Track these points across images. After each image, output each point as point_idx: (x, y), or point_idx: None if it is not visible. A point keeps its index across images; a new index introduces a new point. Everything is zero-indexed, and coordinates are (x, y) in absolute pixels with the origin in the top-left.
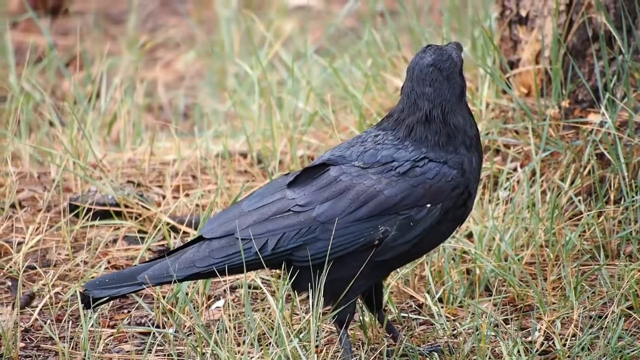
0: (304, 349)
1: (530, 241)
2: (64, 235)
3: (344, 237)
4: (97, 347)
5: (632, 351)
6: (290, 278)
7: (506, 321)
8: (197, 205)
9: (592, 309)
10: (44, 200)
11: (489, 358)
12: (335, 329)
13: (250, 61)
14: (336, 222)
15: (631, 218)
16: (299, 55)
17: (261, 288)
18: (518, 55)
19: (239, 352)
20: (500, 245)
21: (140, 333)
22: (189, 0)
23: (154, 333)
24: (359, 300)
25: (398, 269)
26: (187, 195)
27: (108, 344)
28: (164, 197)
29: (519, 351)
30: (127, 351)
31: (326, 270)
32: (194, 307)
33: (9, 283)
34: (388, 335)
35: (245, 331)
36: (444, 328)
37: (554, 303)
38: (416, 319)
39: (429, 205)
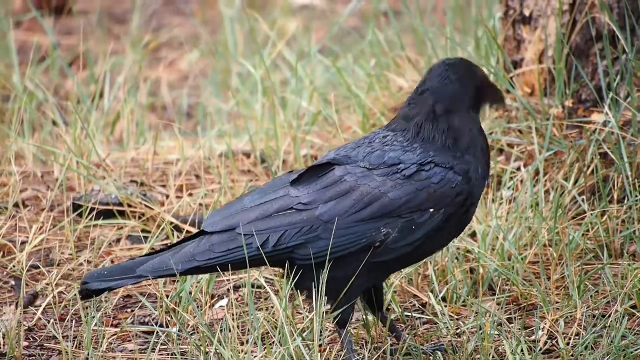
0: (307, 348)
1: (533, 240)
2: (67, 234)
3: (345, 237)
4: (101, 346)
5: (636, 350)
6: (292, 277)
7: (509, 320)
8: (200, 204)
9: (596, 307)
10: (47, 200)
11: (493, 357)
12: (335, 328)
13: (253, 60)
14: (339, 222)
15: (634, 217)
16: (303, 54)
17: (264, 287)
18: (521, 54)
19: (242, 351)
20: (504, 244)
21: (144, 332)
22: None
23: (157, 332)
24: (360, 301)
25: (398, 271)
26: (190, 194)
27: (111, 343)
28: (167, 196)
29: (522, 350)
30: (131, 350)
31: (327, 269)
32: (198, 306)
33: (13, 282)
34: (391, 334)
35: (248, 330)
36: (447, 327)
37: (557, 302)
38: (419, 318)
39: (431, 210)
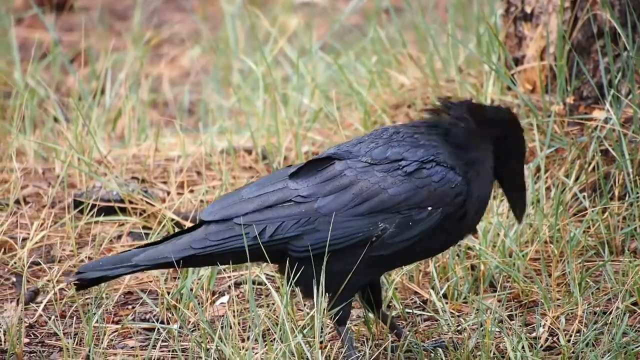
0: (308, 345)
1: (534, 237)
2: (68, 231)
3: (342, 231)
4: (102, 342)
5: (637, 347)
6: (290, 274)
7: (510, 317)
8: (201, 201)
9: (597, 304)
10: (49, 196)
11: (494, 354)
12: (334, 327)
13: (255, 57)
14: (337, 215)
15: (636, 214)
16: (304, 51)
17: (265, 284)
18: (523, 51)
19: (243, 347)
20: (505, 241)
21: (145, 329)
22: None
23: (158, 329)
24: (360, 300)
25: (395, 269)
26: (191, 191)
27: (112, 340)
28: (168, 193)
29: (523, 347)
30: (132, 347)
31: (325, 262)
32: (199, 303)
33: (14, 279)
34: (391, 332)
35: (249, 327)
36: (448, 324)
37: (558, 299)
38: (420, 314)
39: (430, 208)
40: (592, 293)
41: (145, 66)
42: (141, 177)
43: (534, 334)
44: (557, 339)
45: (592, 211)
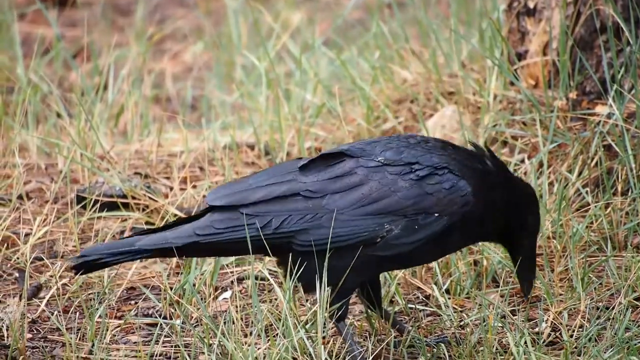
0: (310, 340)
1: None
2: (71, 226)
3: (348, 229)
4: (104, 338)
5: (639, 342)
6: (293, 269)
7: (513, 312)
8: (204, 196)
9: (599, 300)
10: (52, 192)
11: (496, 349)
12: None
13: (257, 53)
14: (344, 213)
15: (638, 209)
16: (307, 47)
17: (268, 279)
18: (526, 46)
19: (246, 343)
20: None
21: (148, 324)
22: None
23: (161, 324)
24: (360, 297)
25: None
26: (194, 186)
27: (115, 335)
28: (171, 188)
29: (526, 342)
30: (134, 342)
31: (327, 257)
32: (201, 299)
33: (17, 274)
34: (393, 329)
35: (252, 322)
36: (451, 319)
37: (561, 294)
38: (423, 310)
39: (436, 215)
40: (595, 288)
41: (147, 62)
42: (144, 172)
43: (536, 329)
44: (560, 334)
45: (595, 206)
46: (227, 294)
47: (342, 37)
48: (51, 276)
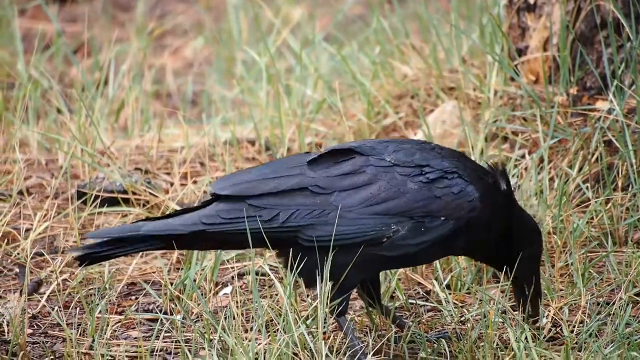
0: (311, 336)
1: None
2: (71, 222)
3: (355, 227)
4: (105, 333)
5: None
6: (295, 263)
7: (514, 308)
8: (204, 192)
9: (600, 295)
10: (52, 187)
11: (497, 345)
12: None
13: (258, 48)
14: (351, 212)
15: (639, 205)
16: (307, 42)
17: (269, 275)
18: (526, 42)
19: (246, 338)
20: None
21: (148, 320)
22: None
23: (161, 320)
24: (361, 293)
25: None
26: (194, 182)
27: (115, 331)
28: (171, 184)
29: (526, 338)
30: (135, 338)
31: (331, 255)
32: (202, 294)
33: (17, 270)
34: (393, 324)
35: (252, 318)
36: (451, 315)
37: (561, 290)
38: (424, 305)
39: (443, 218)
40: (596, 284)
41: (148, 57)
42: (144, 168)
43: (537, 325)
44: (561, 329)
45: (596, 202)
46: (228, 290)
47: (342, 33)
48: (52, 271)
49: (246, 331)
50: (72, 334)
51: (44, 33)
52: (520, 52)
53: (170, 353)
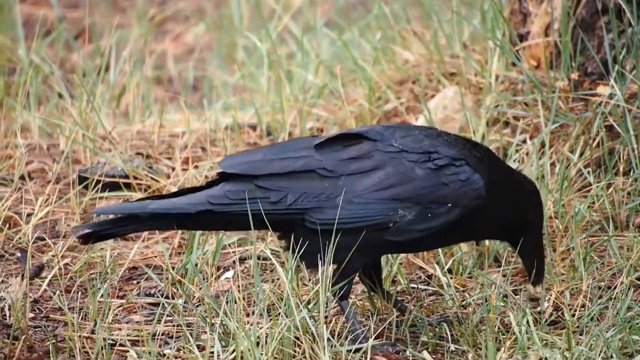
0: (313, 320)
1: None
2: (73, 206)
3: (363, 211)
4: (107, 317)
5: None
6: (297, 247)
7: (515, 292)
8: (206, 177)
9: (601, 279)
10: (53, 172)
11: (498, 328)
12: (337, 303)
13: (259, 34)
14: (359, 196)
15: None
16: (309, 28)
17: (270, 259)
18: (527, 28)
19: (248, 322)
20: None
21: (150, 304)
22: None
23: (163, 304)
24: (363, 278)
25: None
26: (196, 167)
27: (117, 315)
28: (173, 169)
29: (527, 322)
30: (137, 322)
31: (336, 238)
32: (203, 278)
33: (19, 254)
34: (395, 308)
35: (254, 302)
36: (453, 299)
37: (563, 274)
38: (425, 289)
39: (449, 205)
40: (597, 268)
41: (149, 43)
42: (146, 153)
43: (538, 309)
44: (562, 313)
45: (597, 186)
46: (229, 274)
47: (343, 18)
48: (53, 256)
49: (248, 315)
50: (73, 318)
51: (45, 19)
52: (521, 38)
53: (171, 337)
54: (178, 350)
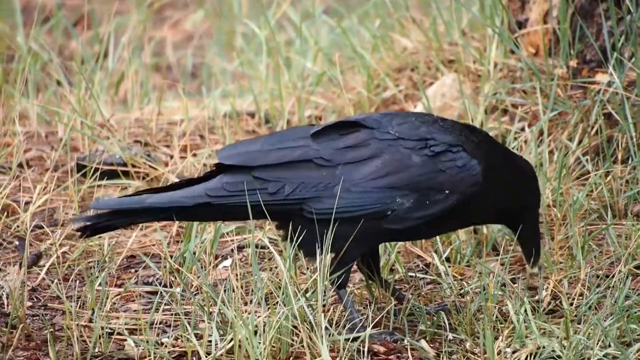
0: (311, 308)
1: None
2: (71, 194)
3: (361, 200)
4: (104, 306)
5: (639, 310)
6: (295, 235)
7: (513, 280)
8: (204, 165)
9: (599, 268)
10: (52, 160)
11: (496, 317)
12: (335, 292)
13: (258, 21)
14: (357, 185)
15: (638, 177)
16: (307, 15)
17: (268, 248)
18: (526, 15)
19: (246, 311)
20: None
21: (148, 292)
22: None
23: (161, 292)
24: (361, 266)
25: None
26: (194, 155)
27: (115, 303)
28: (171, 156)
29: (525, 310)
30: (135, 310)
31: (333, 227)
32: (201, 267)
33: (17, 242)
34: (393, 297)
35: (252, 290)
36: (451, 287)
37: (561, 262)
38: (423, 278)
39: (447, 192)
40: (595, 256)
41: (148, 30)
42: (144, 140)
43: (536, 298)
44: (560, 302)
45: (595, 174)
46: (227, 262)
47: (342, 5)
48: (51, 244)
49: (246, 304)
50: (71, 306)
51: (43, 5)
52: (520, 25)
53: (169, 326)
54: (176, 339)
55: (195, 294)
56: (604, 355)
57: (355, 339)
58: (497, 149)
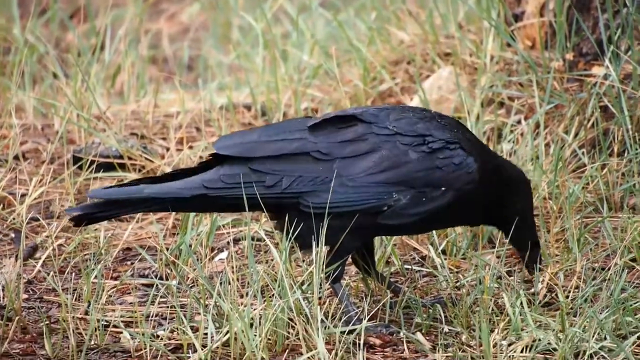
0: (306, 301)
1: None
2: (67, 187)
3: (358, 195)
4: (100, 298)
5: (635, 303)
6: (291, 228)
7: (509, 273)
8: (200, 157)
9: (595, 261)
10: (48, 152)
11: (492, 310)
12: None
13: (254, 13)
14: (354, 179)
15: (634, 170)
16: (304, 7)
17: (264, 240)
18: (522, 8)
19: (242, 303)
20: None
21: (143, 285)
22: None
23: (157, 285)
24: (354, 259)
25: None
26: (190, 147)
27: (111, 296)
28: (167, 149)
29: (521, 303)
30: (130, 303)
31: (330, 219)
32: (197, 259)
33: (13, 235)
34: (389, 290)
35: (248, 283)
36: (447, 280)
37: (557, 255)
38: (419, 271)
39: (443, 189)
40: (591, 249)
41: (144, 22)
42: (140, 133)
43: (532, 290)
44: (556, 295)
45: (591, 167)
46: (223, 255)
47: None
48: (47, 237)
49: (242, 296)
50: (67, 299)
51: None
52: (516, 18)
53: (165, 318)
54: (172, 331)
55: (191, 287)
56: (599, 348)
57: (351, 332)
58: (489, 150)
